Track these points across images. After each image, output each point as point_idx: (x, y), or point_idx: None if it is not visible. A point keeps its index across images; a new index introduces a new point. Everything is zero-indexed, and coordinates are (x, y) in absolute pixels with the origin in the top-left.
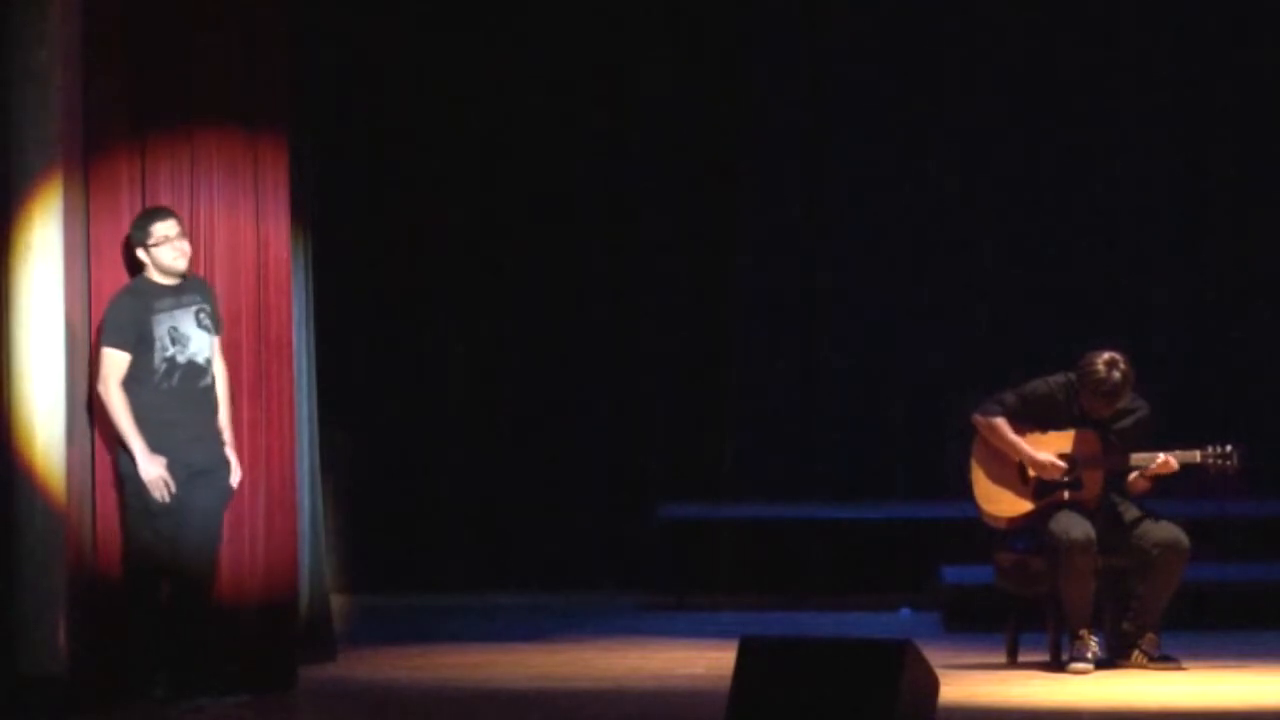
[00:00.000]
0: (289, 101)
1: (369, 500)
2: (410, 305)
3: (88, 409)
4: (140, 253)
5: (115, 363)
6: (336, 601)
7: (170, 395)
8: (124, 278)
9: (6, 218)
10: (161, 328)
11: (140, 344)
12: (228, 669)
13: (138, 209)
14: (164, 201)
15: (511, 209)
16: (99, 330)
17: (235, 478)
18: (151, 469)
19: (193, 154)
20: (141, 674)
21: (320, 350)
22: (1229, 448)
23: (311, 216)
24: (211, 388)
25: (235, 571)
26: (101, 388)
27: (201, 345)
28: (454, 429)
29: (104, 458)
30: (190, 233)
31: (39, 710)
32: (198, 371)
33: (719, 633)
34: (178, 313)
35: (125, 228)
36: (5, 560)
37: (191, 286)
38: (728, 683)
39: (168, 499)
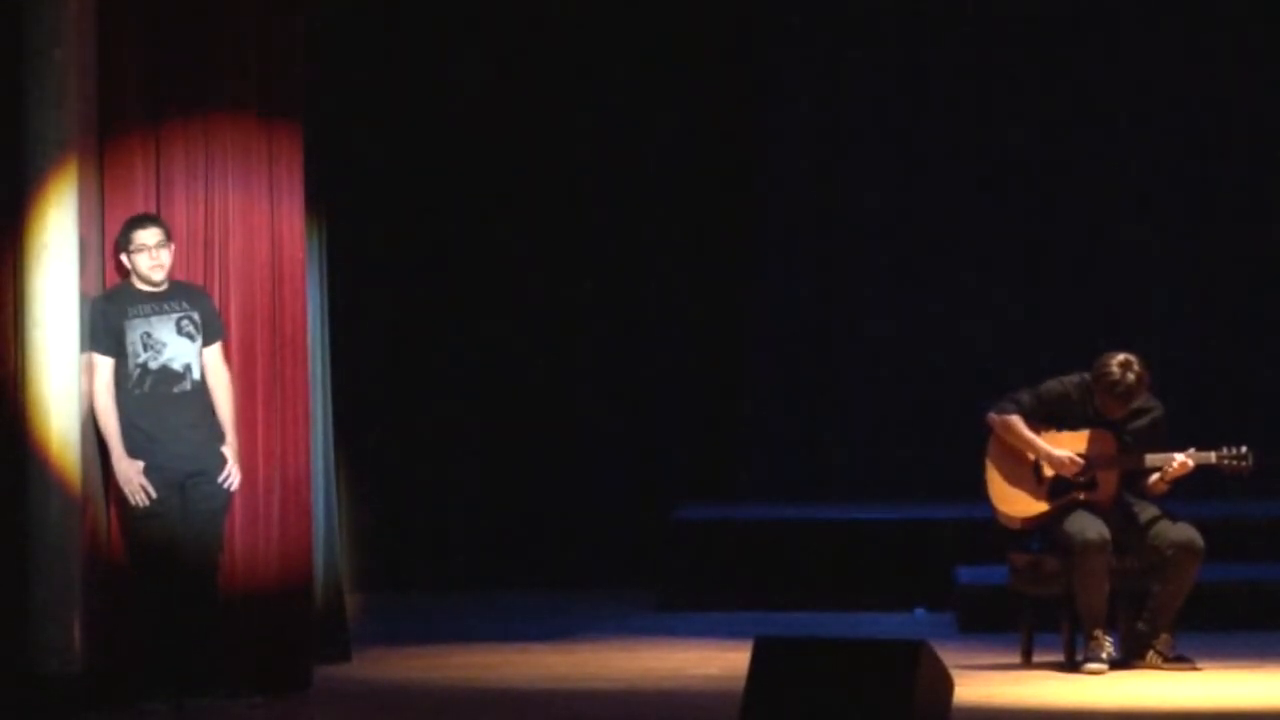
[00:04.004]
0: (303, 95)
1: (385, 499)
2: (425, 303)
3: None
4: (123, 257)
5: (97, 367)
6: (351, 601)
7: (144, 401)
8: None
9: (22, 212)
10: (135, 334)
11: (119, 349)
12: (242, 669)
13: (153, 203)
14: (178, 196)
15: (529, 207)
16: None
17: (232, 480)
18: (125, 472)
19: (208, 148)
20: (151, 675)
21: (335, 347)
22: (1244, 449)
23: (326, 212)
24: (192, 393)
25: (249, 571)
26: (90, 391)
27: (179, 352)
28: (470, 428)
29: None
30: (204, 229)
31: (54, 709)
32: (172, 377)
33: (733, 633)
34: (155, 319)
35: None
36: (20, 557)
37: (178, 293)
38: (742, 683)
39: (144, 502)
